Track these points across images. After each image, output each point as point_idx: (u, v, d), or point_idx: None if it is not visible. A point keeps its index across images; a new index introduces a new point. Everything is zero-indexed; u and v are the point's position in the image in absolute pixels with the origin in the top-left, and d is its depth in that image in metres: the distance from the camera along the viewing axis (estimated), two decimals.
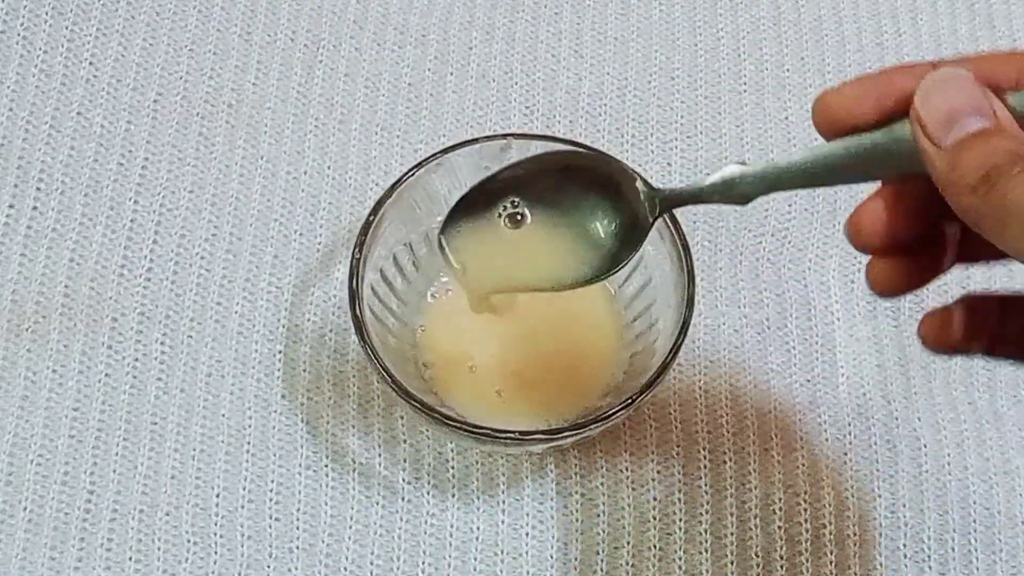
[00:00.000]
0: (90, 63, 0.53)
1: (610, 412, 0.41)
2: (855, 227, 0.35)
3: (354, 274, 0.43)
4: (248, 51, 0.54)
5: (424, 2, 0.56)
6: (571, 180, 0.41)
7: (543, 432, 0.42)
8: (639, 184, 0.39)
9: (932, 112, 0.31)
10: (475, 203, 0.41)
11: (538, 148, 0.45)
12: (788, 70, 0.56)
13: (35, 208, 0.50)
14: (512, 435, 0.42)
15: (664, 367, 0.42)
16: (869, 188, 0.35)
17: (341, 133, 0.53)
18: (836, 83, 0.55)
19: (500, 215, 0.41)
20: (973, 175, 0.30)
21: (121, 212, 0.51)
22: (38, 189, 0.50)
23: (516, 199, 0.41)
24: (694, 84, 0.55)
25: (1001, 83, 0.32)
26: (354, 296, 0.42)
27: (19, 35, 0.53)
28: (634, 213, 0.39)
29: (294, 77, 0.54)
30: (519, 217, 0.41)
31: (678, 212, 0.44)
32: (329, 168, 0.52)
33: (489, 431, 0.41)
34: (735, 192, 0.36)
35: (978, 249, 0.36)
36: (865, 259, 0.50)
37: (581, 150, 0.43)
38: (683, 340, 0.42)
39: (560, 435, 0.42)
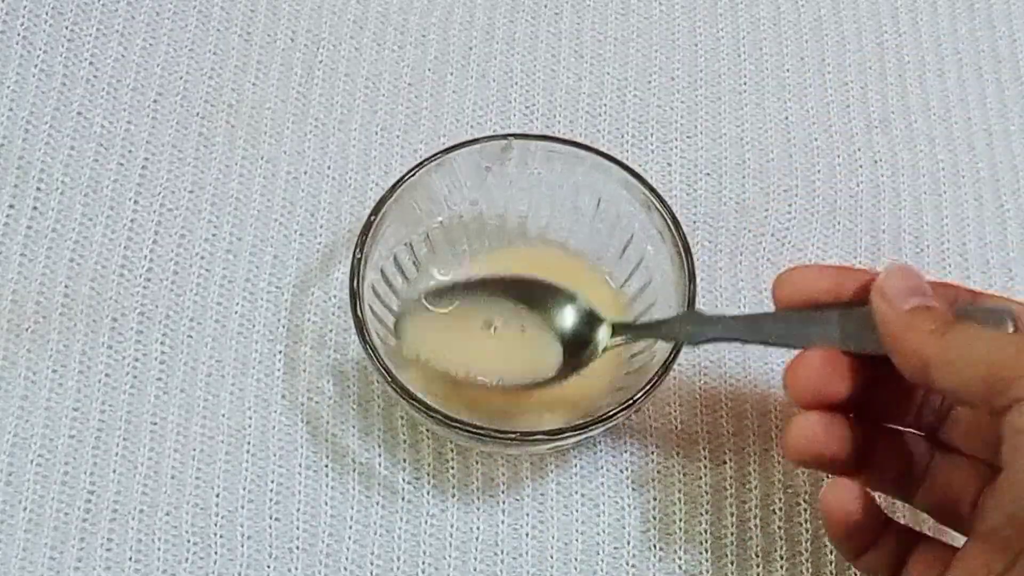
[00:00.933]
0: (90, 63, 0.53)
1: (611, 412, 0.41)
2: (793, 375, 0.40)
3: (355, 274, 0.43)
4: (248, 51, 0.54)
5: (424, 2, 0.56)
6: (536, 296, 0.45)
7: (544, 432, 0.42)
8: (595, 317, 0.45)
9: (894, 287, 0.38)
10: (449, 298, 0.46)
11: (538, 148, 0.45)
12: (788, 70, 0.56)
13: (35, 208, 0.50)
14: (513, 436, 0.42)
15: (665, 367, 0.42)
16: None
17: (341, 133, 0.53)
18: (836, 83, 0.55)
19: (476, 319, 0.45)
20: (927, 326, 0.37)
21: (121, 212, 0.50)
22: (38, 189, 0.50)
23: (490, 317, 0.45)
24: (694, 84, 0.55)
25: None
26: (355, 296, 0.42)
27: (19, 35, 0.53)
28: (589, 335, 0.45)
29: (294, 77, 0.54)
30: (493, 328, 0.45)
31: (678, 212, 0.45)
32: (329, 168, 0.52)
33: (490, 431, 0.41)
34: (686, 332, 0.42)
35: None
36: (866, 262, 0.51)
37: (542, 280, 0.46)
38: (683, 342, 0.42)
39: (561, 435, 0.42)
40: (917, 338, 0.37)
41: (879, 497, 0.44)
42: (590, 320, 0.45)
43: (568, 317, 0.45)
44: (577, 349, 0.45)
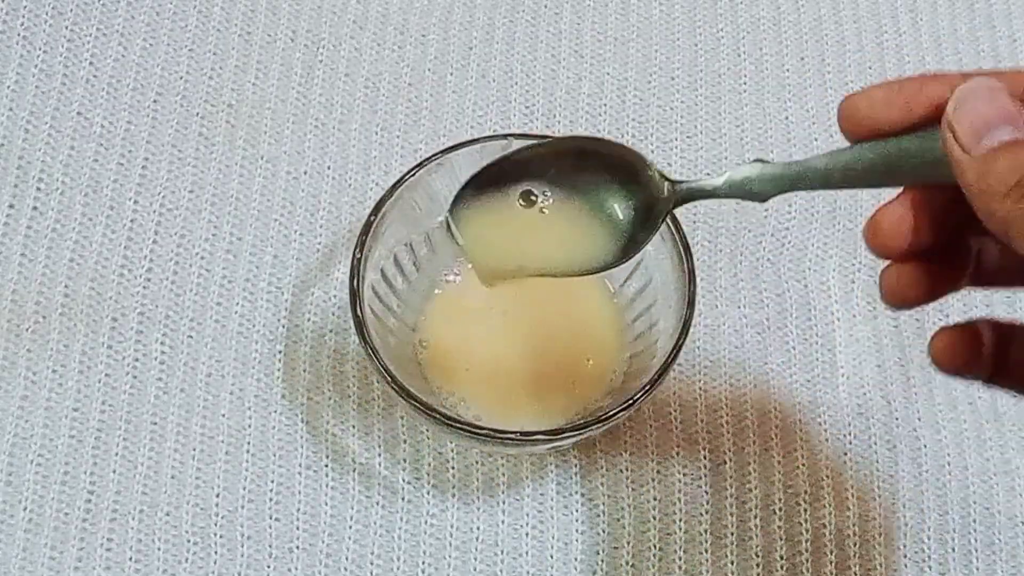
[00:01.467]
0: (90, 63, 0.53)
1: (611, 413, 0.41)
2: (874, 229, 0.35)
3: (355, 274, 0.43)
4: (248, 51, 0.54)
5: (424, 2, 0.56)
6: (587, 164, 0.40)
7: (544, 432, 0.42)
8: (655, 174, 0.38)
9: (965, 120, 0.32)
10: (488, 181, 0.40)
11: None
12: (788, 70, 0.56)
13: (35, 208, 0.50)
14: (513, 435, 0.42)
15: (665, 368, 0.42)
16: (875, 193, 0.35)
17: (341, 133, 0.53)
18: (836, 83, 0.55)
19: (514, 195, 0.40)
20: (1005, 182, 0.30)
21: (121, 212, 0.50)
22: (38, 189, 0.50)
23: (532, 183, 0.40)
24: (694, 84, 0.55)
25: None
26: (355, 296, 0.42)
27: (19, 35, 0.53)
28: (649, 202, 0.39)
29: (294, 77, 0.54)
30: (533, 198, 0.40)
31: (678, 212, 0.44)
32: (329, 168, 0.52)
33: (490, 431, 0.41)
34: (752, 189, 0.36)
35: (993, 275, 0.36)
36: (867, 262, 0.51)
37: (599, 137, 0.42)
38: (684, 340, 0.42)
39: (561, 435, 0.42)
40: (996, 198, 0.31)
41: None
42: (643, 187, 0.39)
43: (619, 192, 0.39)
44: (635, 220, 0.39)
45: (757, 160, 0.36)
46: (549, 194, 0.40)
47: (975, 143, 0.31)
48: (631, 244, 0.39)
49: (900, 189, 0.35)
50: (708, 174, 0.53)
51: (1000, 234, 0.31)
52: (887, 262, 0.36)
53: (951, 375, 0.36)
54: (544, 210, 0.40)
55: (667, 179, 0.38)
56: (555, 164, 0.40)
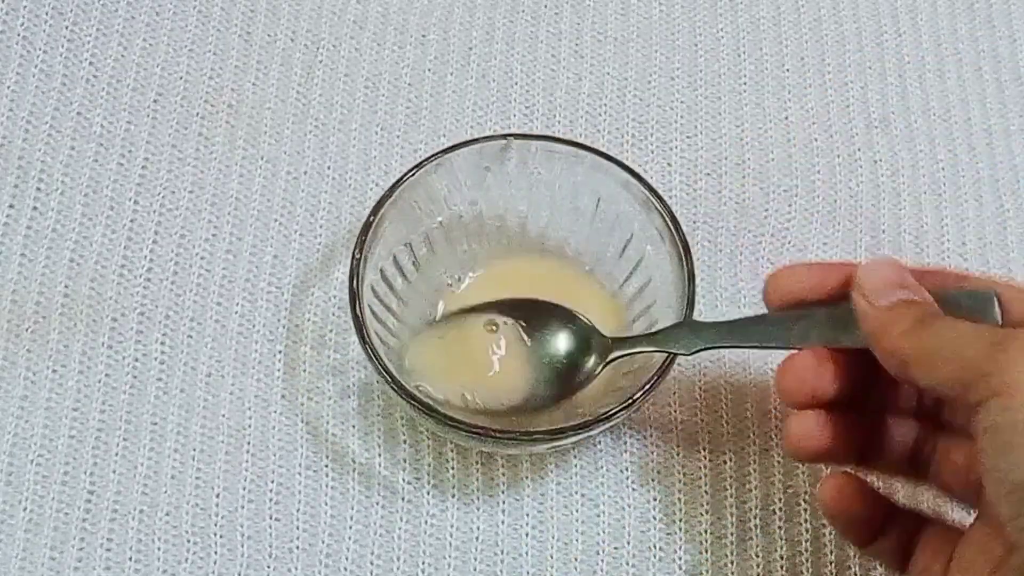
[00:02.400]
0: (90, 63, 0.53)
1: (610, 412, 0.41)
2: (782, 373, 0.40)
3: (354, 274, 0.43)
4: (248, 51, 0.54)
5: (424, 2, 0.56)
6: (539, 315, 0.46)
7: (544, 432, 0.42)
8: (596, 336, 0.44)
9: (871, 281, 0.39)
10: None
11: (538, 148, 0.45)
12: (788, 70, 0.56)
13: (35, 208, 0.50)
14: (513, 435, 0.42)
15: (664, 367, 0.42)
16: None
17: (341, 133, 0.53)
18: (836, 83, 0.55)
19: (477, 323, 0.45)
20: (901, 325, 0.37)
21: (121, 212, 0.50)
22: (38, 189, 0.50)
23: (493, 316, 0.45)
24: (694, 84, 0.55)
25: (928, 287, 0.39)
26: (354, 296, 0.42)
27: (19, 35, 0.53)
28: (590, 349, 0.45)
29: (294, 77, 0.54)
30: (494, 328, 0.45)
31: (678, 212, 0.45)
32: (329, 168, 0.52)
33: (490, 431, 0.41)
34: (678, 347, 0.42)
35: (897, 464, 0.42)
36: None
37: (546, 302, 0.46)
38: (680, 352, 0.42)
39: (561, 435, 0.42)
40: (895, 336, 0.37)
41: (881, 483, 0.45)
42: (587, 340, 0.45)
43: (566, 339, 0.45)
44: (575, 369, 0.45)
45: (686, 321, 0.42)
46: (508, 323, 0.45)
47: (879, 298, 0.38)
48: (571, 383, 0.45)
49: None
50: (709, 175, 0.53)
51: (898, 369, 0.37)
52: (793, 412, 0.41)
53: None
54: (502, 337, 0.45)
55: (607, 337, 0.44)
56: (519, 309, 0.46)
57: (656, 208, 0.44)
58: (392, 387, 0.41)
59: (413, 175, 0.44)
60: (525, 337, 0.45)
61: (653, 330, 0.44)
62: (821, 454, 0.41)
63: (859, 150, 0.54)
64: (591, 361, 0.44)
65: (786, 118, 0.55)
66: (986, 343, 0.35)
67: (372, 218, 0.43)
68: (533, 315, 0.45)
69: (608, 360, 0.44)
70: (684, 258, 0.43)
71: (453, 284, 0.48)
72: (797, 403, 0.40)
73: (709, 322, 0.43)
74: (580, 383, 0.44)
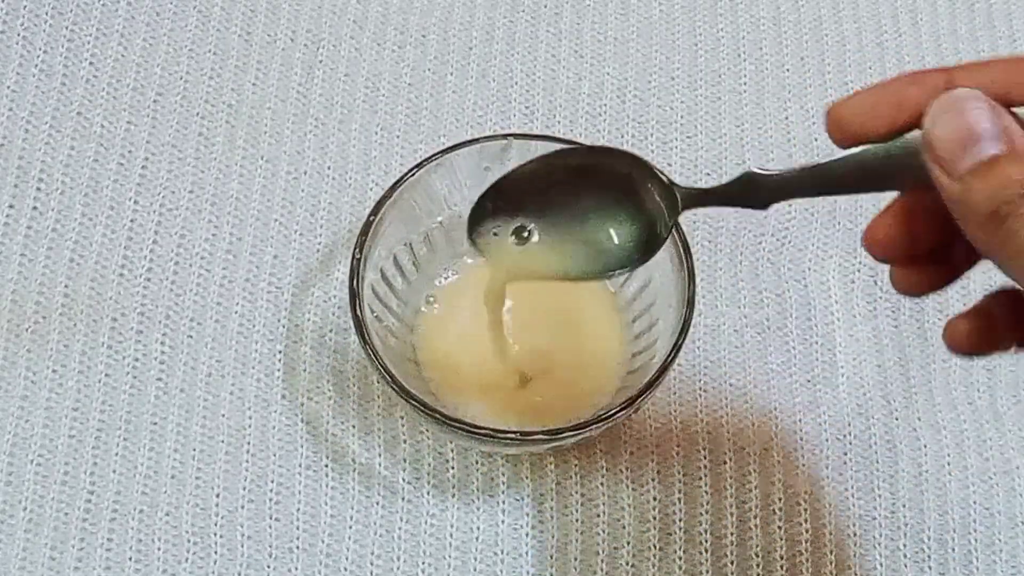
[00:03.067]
0: (90, 63, 0.53)
1: (611, 412, 0.41)
2: (870, 239, 0.35)
3: (355, 274, 0.43)
4: (248, 51, 0.54)
5: (424, 2, 0.56)
6: (584, 182, 0.40)
7: (544, 432, 0.42)
8: (656, 182, 0.38)
9: (942, 138, 0.31)
10: (492, 206, 0.41)
11: (538, 148, 0.45)
12: (788, 70, 0.56)
13: (35, 208, 0.50)
14: (513, 435, 0.42)
15: (664, 367, 0.42)
16: (874, 197, 0.35)
17: (341, 133, 0.53)
18: (836, 83, 0.55)
19: (507, 234, 0.41)
20: (982, 209, 0.29)
21: (121, 212, 0.51)
22: (38, 189, 0.50)
23: (522, 216, 0.41)
24: (694, 84, 0.55)
25: (1013, 95, 0.31)
26: (355, 296, 0.42)
27: (19, 35, 0.53)
28: (651, 213, 0.39)
29: (294, 77, 0.54)
30: (525, 234, 0.41)
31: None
32: (329, 168, 0.52)
33: (490, 431, 0.41)
34: (754, 196, 0.36)
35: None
36: (867, 262, 0.51)
37: (597, 146, 0.42)
38: (683, 340, 0.42)
39: (561, 435, 0.42)
40: (972, 223, 0.30)
41: None
42: (650, 196, 0.39)
43: (623, 207, 0.39)
44: (642, 229, 0.40)
45: (758, 167, 0.36)
46: (542, 227, 0.41)
47: (953, 164, 0.30)
48: (636, 252, 0.39)
49: (895, 195, 0.35)
50: (709, 175, 0.53)
51: (982, 253, 0.31)
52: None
53: (973, 357, 0.35)
54: (539, 242, 0.41)
55: (669, 184, 0.38)
56: (549, 190, 0.40)
57: None
58: (393, 387, 0.41)
59: (414, 175, 0.44)
60: (563, 228, 0.40)
61: (655, 339, 0.43)
62: (927, 292, 0.35)
63: None
64: (655, 222, 0.39)
65: (786, 118, 0.55)
66: None
67: (373, 218, 0.43)
68: (573, 191, 0.40)
69: (677, 217, 0.38)
70: (684, 258, 0.43)
71: (453, 281, 0.48)
72: (892, 260, 0.35)
73: (776, 173, 0.36)
74: (650, 246, 0.39)
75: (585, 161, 0.40)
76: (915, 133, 0.32)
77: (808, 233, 0.52)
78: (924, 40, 0.57)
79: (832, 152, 0.34)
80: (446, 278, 0.48)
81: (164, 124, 0.52)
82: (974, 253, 0.34)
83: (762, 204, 0.36)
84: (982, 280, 0.49)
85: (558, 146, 0.45)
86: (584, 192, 0.40)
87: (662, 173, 0.38)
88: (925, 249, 0.34)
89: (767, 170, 0.36)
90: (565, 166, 0.40)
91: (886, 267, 0.50)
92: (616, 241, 0.40)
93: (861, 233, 0.35)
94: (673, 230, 0.42)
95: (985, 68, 0.32)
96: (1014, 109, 0.31)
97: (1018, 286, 0.30)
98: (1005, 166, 0.30)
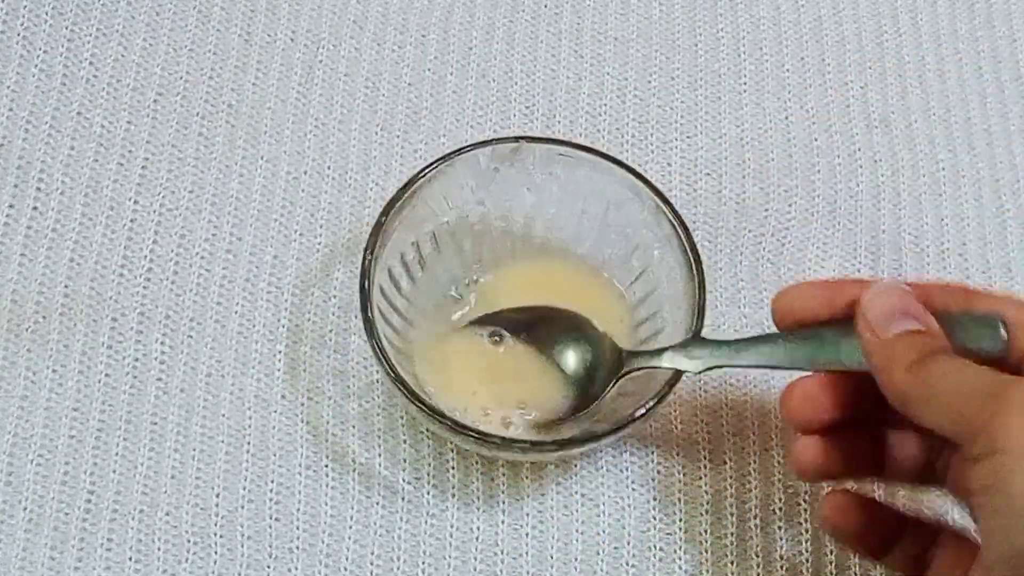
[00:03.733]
0: (90, 63, 0.53)
1: (621, 424, 0.41)
2: (786, 400, 0.40)
3: (365, 275, 0.42)
4: (248, 51, 0.54)
5: (424, 2, 0.56)
6: (552, 326, 0.46)
7: (554, 442, 0.42)
8: (608, 342, 0.45)
9: (876, 309, 0.38)
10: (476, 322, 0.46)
11: (547, 151, 0.45)
12: (788, 70, 0.56)
13: (35, 208, 0.50)
14: (523, 443, 0.42)
15: (674, 380, 0.42)
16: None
17: (341, 133, 0.53)
18: (836, 83, 0.55)
19: (483, 335, 0.46)
20: (905, 358, 0.36)
21: (121, 212, 0.50)
22: (38, 189, 0.50)
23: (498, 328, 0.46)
24: (694, 84, 0.55)
25: (935, 307, 0.38)
26: (365, 297, 0.42)
27: (19, 35, 0.53)
28: (601, 362, 0.45)
29: (294, 77, 0.54)
30: (497, 339, 0.46)
31: (683, 215, 0.45)
32: (329, 168, 0.52)
33: (498, 438, 0.41)
34: (691, 360, 0.42)
35: (905, 472, 0.42)
36: (867, 262, 0.51)
37: (565, 308, 0.46)
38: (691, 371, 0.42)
39: (570, 445, 0.42)
40: (897, 372, 0.36)
41: (884, 493, 0.45)
42: (599, 352, 0.45)
43: (576, 353, 0.46)
44: (588, 381, 0.45)
45: (696, 337, 0.42)
46: (511, 339, 0.46)
47: (883, 328, 0.37)
48: (586, 395, 0.45)
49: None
50: (708, 175, 0.53)
51: (899, 406, 0.36)
52: (800, 434, 0.40)
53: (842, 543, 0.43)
54: (510, 348, 0.46)
55: (619, 348, 0.44)
56: (523, 321, 0.46)
57: (665, 213, 0.44)
58: (401, 389, 0.41)
59: (425, 176, 0.44)
60: (534, 351, 0.46)
61: (660, 346, 0.44)
62: (827, 475, 0.41)
63: (859, 150, 0.54)
64: (602, 375, 0.44)
65: (786, 118, 0.55)
66: (984, 393, 0.34)
67: (383, 218, 0.43)
68: (542, 326, 0.46)
69: (620, 376, 0.44)
70: (694, 266, 0.43)
71: (461, 289, 0.48)
72: (802, 428, 0.40)
73: (718, 340, 0.43)
74: (593, 396, 0.44)
75: (553, 314, 0.46)
76: (843, 325, 0.39)
77: (808, 233, 0.52)
78: (924, 40, 0.57)
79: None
80: (450, 279, 0.48)
81: (164, 124, 0.52)
82: (880, 447, 0.41)
83: (696, 371, 0.42)
84: None
85: (566, 149, 0.45)
86: (551, 332, 0.46)
87: (610, 338, 0.45)
88: (834, 422, 0.40)
89: (704, 339, 0.42)
90: (539, 316, 0.46)
91: (887, 266, 0.50)
92: (569, 367, 0.45)
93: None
94: (682, 236, 0.44)
95: (913, 285, 0.39)
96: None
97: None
98: (924, 336, 0.37)
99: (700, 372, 0.42)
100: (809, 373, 0.41)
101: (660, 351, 0.43)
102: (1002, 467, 0.33)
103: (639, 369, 0.43)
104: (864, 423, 0.41)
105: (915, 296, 0.38)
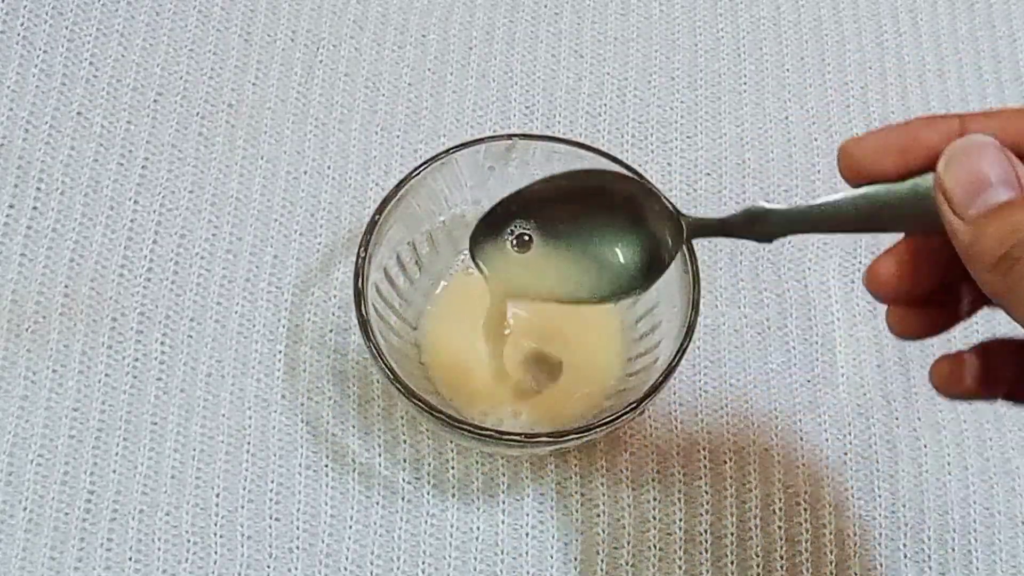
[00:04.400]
0: (90, 63, 0.53)
1: (615, 415, 0.41)
2: (873, 278, 0.35)
3: (359, 273, 0.42)
4: (248, 51, 0.54)
5: (424, 2, 0.56)
6: (590, 202, 0.40)
7: (548, 435, 0.42)
8: (663, 210, 0.39)
9: (955, 181, 0.31)
10: (495, 222, 0.41)
11: (541, 149, 0.45)
12: (788, 70, 0.56)
13: (35, 208, 0.50)
14: (517, 437, 0.42)
15: (669, 370, 0.42)
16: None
17: (341, 133, 0.53)
18: (836, 83, 0.55)
19: (507, 238, 0.41)
20: (993, 252, 0.30)
21: (121, 212, 0.50)
22: (38, 189, 0.50)
23: (524, 223, 0.41)
24: (694, 84, 0.55)
25: (1022, 145, 0.31)
26: (359, 295, 0.42)
27: (19, 35, 0.53)
28: (655, 239, 0.39)
29: (294, 77, 0.54)
30: (526, 239, 0.41)
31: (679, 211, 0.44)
32: (329, 168, 0.52)
33: (494, 433, 0.41)
34: (759, 229, 0.36)
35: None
36: (867, 262, 0.50)
37: (608, 168, 0.42)
38: (688, 344, 0.42)
39: (564, 438, 0.42)
40: (982, 268, 0.30)
41: None
42: (656, 222, 0.39)
43: (629, 230, 0.40)
44: (645, 255, 0.40)
45: (764, 200, 0.37)
46: (545, 236, 0.41)
47: (965, 207, 0.31)
48: (640, 276, 0.39)
49: (900, 236, 0.35)
50: (709, 175, 0.53)
51: (991, 298, 0.31)
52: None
53: (959, 399, 0.35)
54: (539, 250, 0.41)
55: (675, 213, 0.38)
56: (557, 205, 0.40)
57: None
58: (397, 387, 0.41)
59: (418, 174, 0.44)
60: (566, 240, 0.41)
61: (658, 340, 0.43)
62: (925, 338, 0.35)
63: None
64: (659, 248, 0.39)
65: (786, 118, 0.55)
66: None
67: (377, 217, 0.43)
68: (581, 210, 0.40)
69: (682, 245, 0.39)
70: (688, 261, 0.43)
71: (456, 281, 0.48)
72: (891, 301, 0.35)
73: (779, 208, 0.36)
74: (653, 271, 0.39)
75: (592, 183, 0.40)
76: (926, 176, 0.32)
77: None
78: (924, 40, 0.57)
79: (834, 180, 0.33)
80: (449, 278, 0.48)
81: (164, 124, 0.52)
82: (977, 299, 0.34)
83: (767, 238, 0.36)
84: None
85: (561, 146, 0.45)
86: (589, 211, 0.40)
87: (669, 202, 0.38)
88: (926, 292, 0.34)
89: (773, 205, 0.36)
90: (572, 186, 0.40)
91: None
92: (618, 262, 0.40)
93: (862, 277, 0.35)
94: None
95: (996, 116, 0.32)
96: None
97: (1020, 334, 0.30)
98: (1016, 212, 0.30)
99: (771, 241, 0.36)
100: (899, 236, 0.35)
101: (722, 221, 0.37)
102: None
103: (704, 235, 0.38)
104: (956, 284, 0.35)
105: (1006, 140, 0.31)
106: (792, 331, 0.50)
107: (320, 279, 0.50)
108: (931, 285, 0.34)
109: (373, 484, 0.47)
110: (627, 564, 0.46)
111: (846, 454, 0.48)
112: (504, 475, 0.47)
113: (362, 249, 0.43)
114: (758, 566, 0.47)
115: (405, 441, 0.48)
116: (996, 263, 0.30)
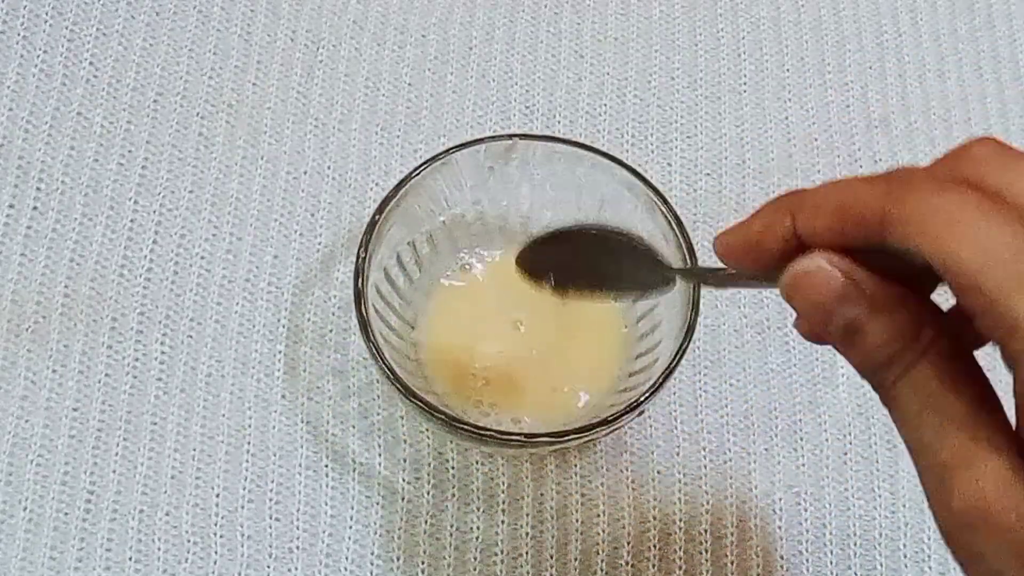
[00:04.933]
0: (90, 63, 0.53)
1: (615, 416, 0.41)
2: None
3: (359, 273, 0.42)
4: (248, 51, 0.54)
5: (424, 2, 0.56)
6: (599, 251, 0.40)
7: (548, 435, 0.42)
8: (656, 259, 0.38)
9: (803, 311, 0.30)
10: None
11: (542, 149, 0.45)
12: (788, 70, 0.56)
13: (35, 208, 0.50)
14: (517, 437, 0.42)
15: (669, 371, 0.42)
16: None
17: (341, 133, 0.53)
18: (836, 83, 0.55)
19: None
20: (867, 376, 0.30)
21: (121, 212, 0.50)
22: (38, 189, 0.50)
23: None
24: (694, 84, 0.55)
25: (848, 236, 0.29)
26: (359, 295, 0.42)
27: (19, 35, 0.53)
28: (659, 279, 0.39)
29: (294, 77, 0.54)
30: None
31: (682, 215, 0.45)
32: (329, 168, 0.52)
33: (494, 433, 0.41)
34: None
35: None
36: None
37: (609, 227, 0.41)
38: (688, 344, 0.42)
39: (564, 438, 0.42)
40: (880, 391, 0.30)
41: None
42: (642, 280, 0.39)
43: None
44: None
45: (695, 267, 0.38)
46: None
47: (823, 329, 0.30)
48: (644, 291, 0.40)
49: None
50: (708, 175, 0.53)
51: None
52: None
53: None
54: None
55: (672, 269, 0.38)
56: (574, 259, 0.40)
57: (660, 210, 0.44)
58: (396, 387, 0.41)
59: (418, 174, 0.44)
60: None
61: (658, 340, 0.44)
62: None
63: (859, 150, 0.54)
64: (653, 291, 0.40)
65: (786, 118, 0.55)
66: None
67: (378, 216, 0.43)
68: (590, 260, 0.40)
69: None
70: (688, 260, 0.43)
71: (456, 281, 0.48)
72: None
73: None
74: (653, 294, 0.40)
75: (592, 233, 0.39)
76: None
77: None
78: (924, 40, 0.57)
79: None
80: (449, 278, 0.48)
81: (164, 124, 0.52)
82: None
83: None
84: None
85: (561, 146, 0.45)
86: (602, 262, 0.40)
87: (659, 255, 0.38)
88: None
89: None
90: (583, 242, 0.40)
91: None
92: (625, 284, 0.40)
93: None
94: (678, 233, 0.43)
95: (820, 208, 0.30)
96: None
97: None
98: (867, 332, 0.29)
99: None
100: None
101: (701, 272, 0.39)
102: None
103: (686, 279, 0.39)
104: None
105: (832, 238, 0.29)
106: (792, 331, 0.50)
107: (320, 279, 0.50)
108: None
109: (373, 484, 0.47)
110: (627, 564, 0.46)
111: (846, 454, 0.48)
112: (504, 475, 0.47)
113: (362, 249, 0.43)
114: (758, 566, 0.47)
115: (405, 441, 0.48)
116: (875, 385, 0.30)
